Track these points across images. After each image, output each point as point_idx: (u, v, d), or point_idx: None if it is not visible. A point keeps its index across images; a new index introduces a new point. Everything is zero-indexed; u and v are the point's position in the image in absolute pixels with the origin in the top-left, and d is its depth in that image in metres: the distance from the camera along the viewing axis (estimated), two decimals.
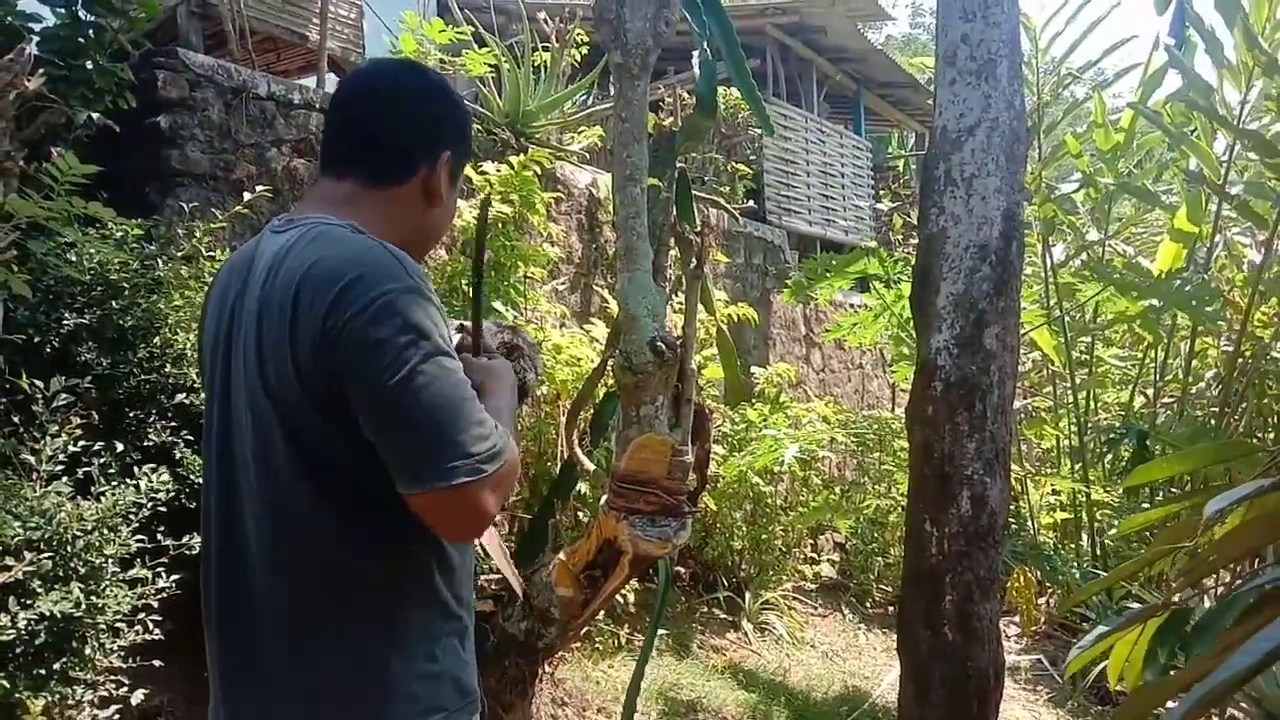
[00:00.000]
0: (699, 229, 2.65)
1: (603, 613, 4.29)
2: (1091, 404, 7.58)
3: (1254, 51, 5.31)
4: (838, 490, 6.56)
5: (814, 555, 6.47)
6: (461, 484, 1.17)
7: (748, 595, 5.41)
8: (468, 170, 4.30)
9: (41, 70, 3.05)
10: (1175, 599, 1.52)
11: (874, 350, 8.83)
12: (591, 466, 2.99)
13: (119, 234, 3.09)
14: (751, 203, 7.90)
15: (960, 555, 2.97)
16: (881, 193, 10.93)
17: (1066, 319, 6.62)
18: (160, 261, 3.13)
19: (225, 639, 1.33)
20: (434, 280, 3.81)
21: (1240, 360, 6.05)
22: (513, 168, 4.11)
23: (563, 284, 5.32)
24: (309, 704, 1.27)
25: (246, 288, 1.30)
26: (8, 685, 2.23)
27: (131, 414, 2.92)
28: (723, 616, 5.30)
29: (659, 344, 2.47)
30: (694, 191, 2.84)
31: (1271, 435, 6.21)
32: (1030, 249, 7.01)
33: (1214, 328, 5.62)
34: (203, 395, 2.96)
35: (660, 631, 4.60)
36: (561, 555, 2.83)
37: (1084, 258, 7.48)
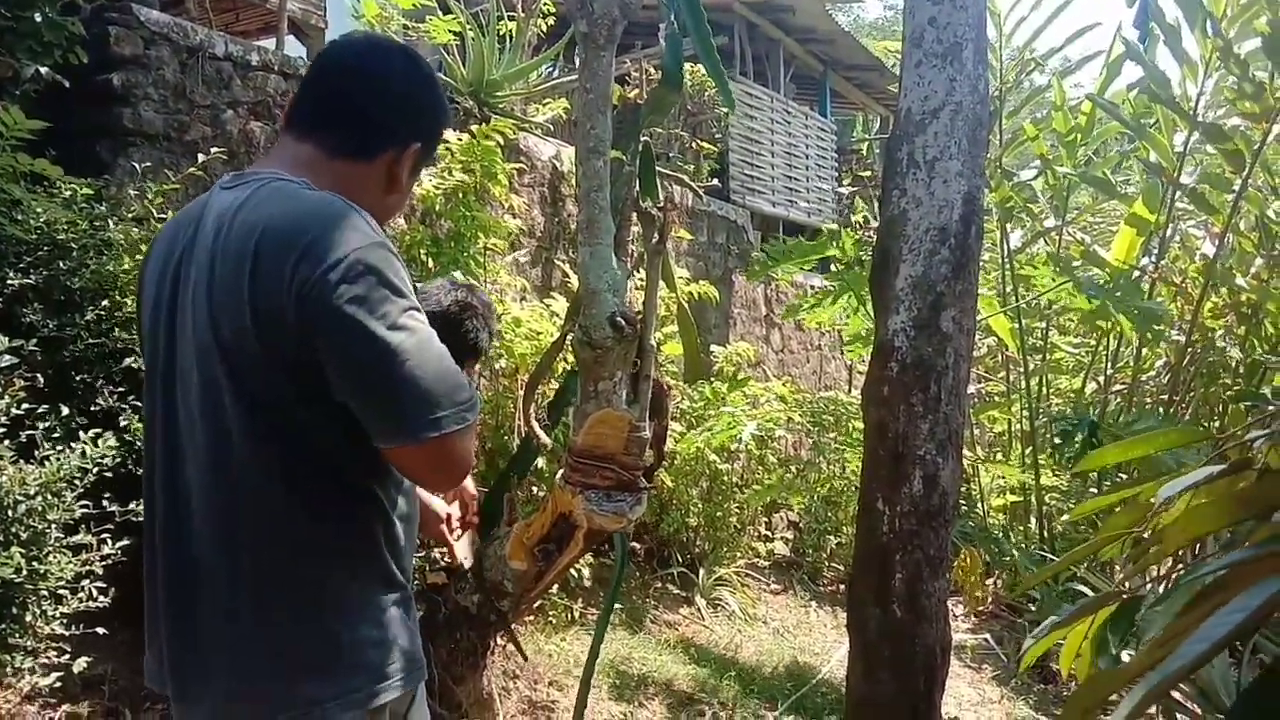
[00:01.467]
0: (662, 204, 2.64)
1: (556, 587, 4.29)
2: (1044, 389, 7.70)
3: (1214, 39, 5.38)
4: (793, 469, 6.61)
5: (768, 533, 6.52)
6: (450, 433, 1.21)
7: (701, 571, 5.44)
8: None
9: None
10: (1125, 584, 1.55)
11: (832, 332, 8.89)
12: (549, 441, 2.98)
13: (67, 193, 3.01)
14: (716, 181, 7.89)
15: (911, 534, 3.01)
16: (844, 175, 10.98)
17: (1021, 305, 6.71)
18: (110, 222, 3.05)
19: (175, 605, 1.31)
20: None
21: (1190, 350, 6.17)
22: (474, 137, 4.06)
23: (524, 257, 5.28)
24: (273, 664, 1.26)
25: (195, 243, 1.28)
26: None
27: (78, 377, 2.86)
28: (676, 592, 5.33)
29: (619, 319, 2.46)
30: (658, 167, 2.82)
31: (1218, 423, 6.35)
32: (988, 234, 7.08)
33: (1155, 336, 5.72)
34: None
35: (614, 606, 4.62)
36: (516, 529, 2.83)
37: (1041, 244, 7.58)
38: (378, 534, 1.32)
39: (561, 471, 2.60)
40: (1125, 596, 1.41)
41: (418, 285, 1.76)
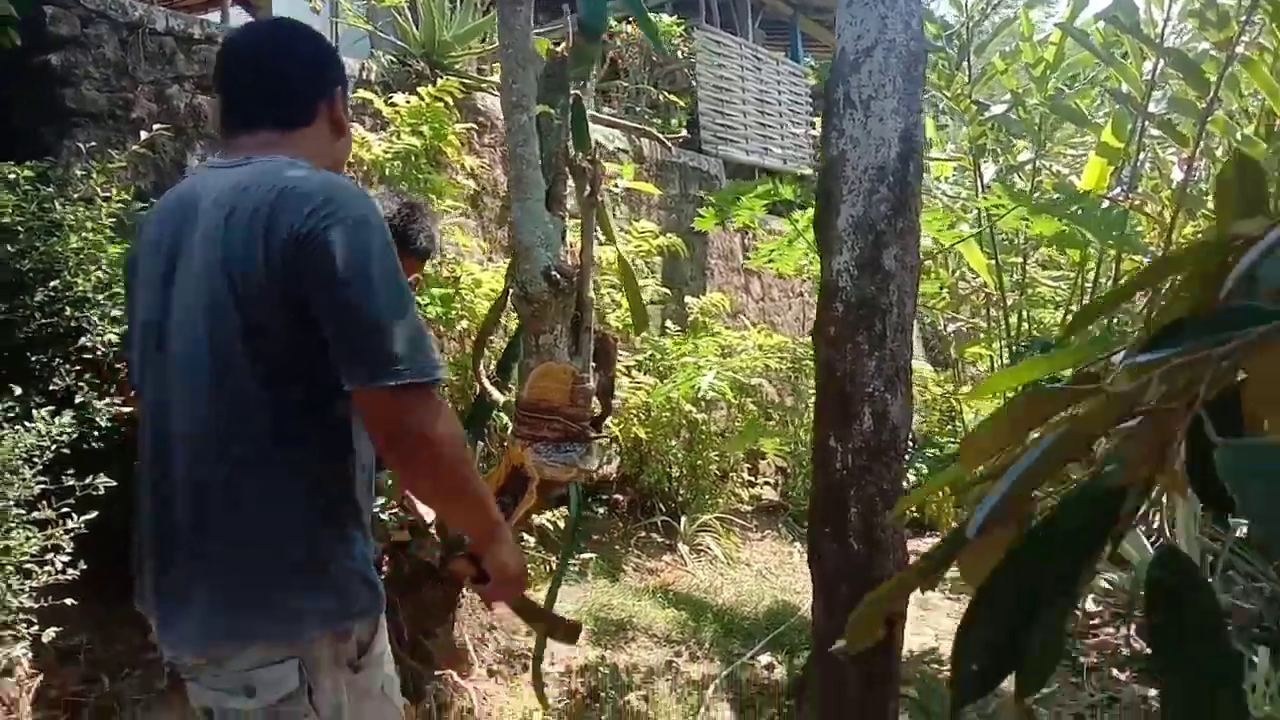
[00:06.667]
0: (592, 156, 2.66)
1: (533, 540, 4.38)
2: (1025, 325, 7.72)
3: None
4: (774, 415, 6.67)
5: (752, 479, 6.60)
6: (406, 384, 1.32)
7: (683, 519, 5.52)
8: (378, 103, 4.26)
9: None
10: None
11: (815, 279, 8.88)
12: (501, 397, 3.03)
13: (10, 176, 3.03)
14: (685, 133, 7.86)
15: (863, 470, 3.06)
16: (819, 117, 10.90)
17: (999, 240, 6.71)
18: (58, 204, 3.07)
19: (160, 533, 1.42)
20: None
21: None
22: (422, 98, 4.06)
23: (475, 218, 5.29)
24: (253, 580, 1.36)
25: (197, 213, 1.41)
26: None
27: (34, 358, 2.90)
28: (659, 540, 5.42)
29: (553, 273, 2.50)
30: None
31: None
32: (966, 172, 7.08)
33: (1129, 248, 5.71)
34: (105, 338, 2.95)
35: (591, 556, 4.71)
36: None
37: (1014, 178, 7.56)
38: (352, 470, 1.45)
39: (511, 426, 2.66)
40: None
41: None
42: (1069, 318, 7.59)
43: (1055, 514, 0.59)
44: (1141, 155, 6.73)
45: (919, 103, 3.16)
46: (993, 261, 6.76)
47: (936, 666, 3.96)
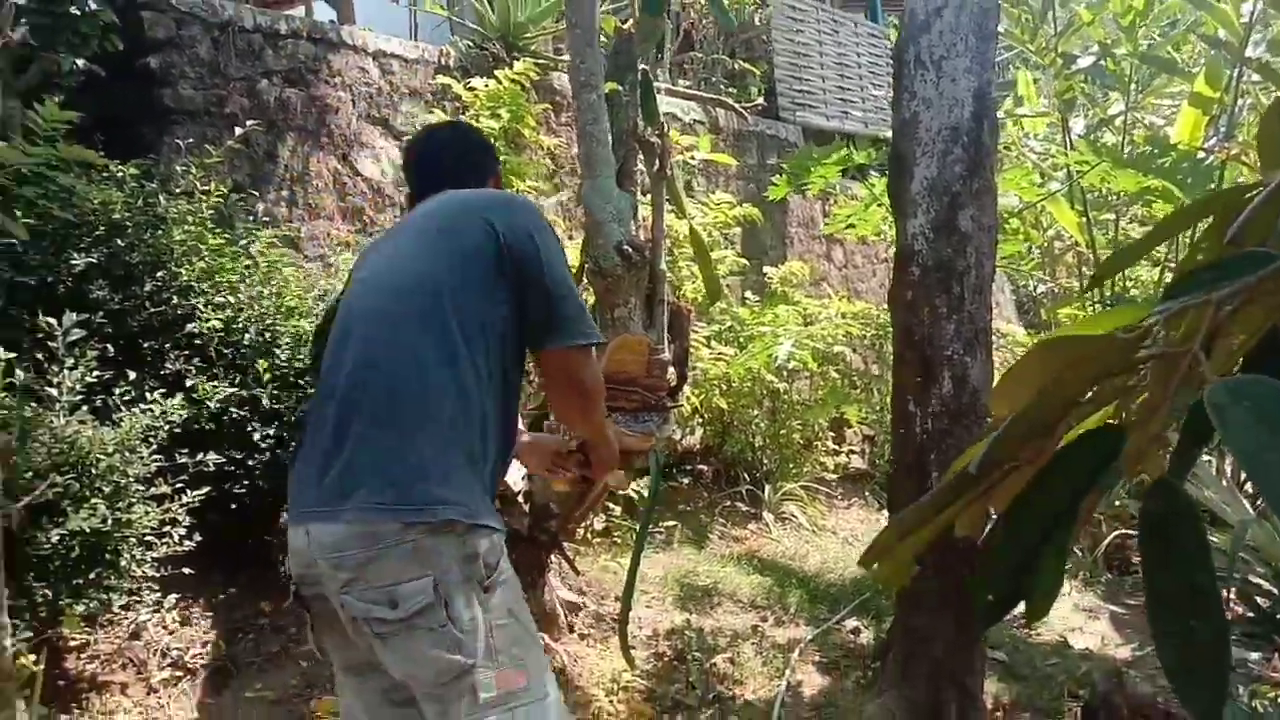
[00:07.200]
0: (660, 130, 2.71)
1: (619, 509, 4.48)
2: (1123, 283, 7.47)
3: None
4: (858, 383, 6.63)
5: (837, 447, 6.58)
6: (589, 344, 1.76)
7: (768, 488, 5.55)
8: (457, 88, 4.37)
9: (23, 20, 3.15)
10: None
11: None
12: None
13: (119, 175, 3.22)
14: (761, 101, 7.80)
15: (943, 433, 3.07)
16: None
17: (1092, 197, 6.50)
18: (161, 198, 3.26)
19: (337, 434, 1.62)
20: None
21: None
22: (500, 82, 4.15)
23: (564, 196, 5.37)
24: (409, 471, 1.56)
25: (404, 225, 1.86)
26: (50, 594, 2.46)
27: (147, 345, 3.09)
28: (744, 509, 5.46)
29: (626, 247, 2.56)
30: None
31: None
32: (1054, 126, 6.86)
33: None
34: (210, 324, 3.12)
35: (676, 524, 4.79)
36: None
37: (1105, 132, 7.30)
38: (495, 421, 1.70)
39: None
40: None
41: None
42: (1168, 274, 7.34)
43: (1061, 452, 0.62)
44: (1241, 102, 6.44)
45: (992, 60, 3.11)
46: (1084, 219, 6.56)
47: (1026, 630, 3.93)
